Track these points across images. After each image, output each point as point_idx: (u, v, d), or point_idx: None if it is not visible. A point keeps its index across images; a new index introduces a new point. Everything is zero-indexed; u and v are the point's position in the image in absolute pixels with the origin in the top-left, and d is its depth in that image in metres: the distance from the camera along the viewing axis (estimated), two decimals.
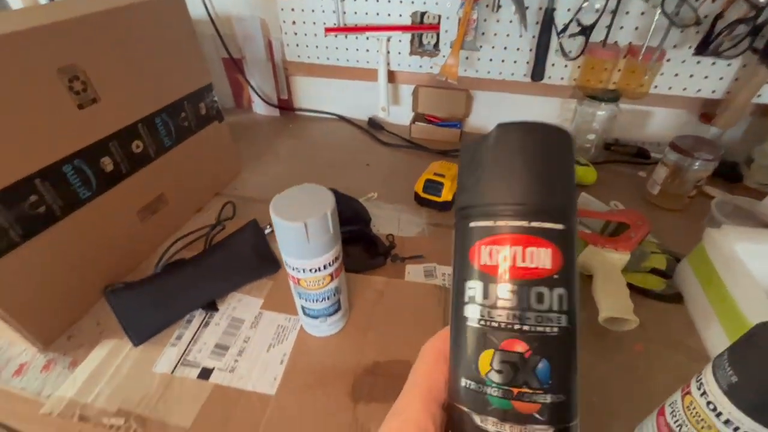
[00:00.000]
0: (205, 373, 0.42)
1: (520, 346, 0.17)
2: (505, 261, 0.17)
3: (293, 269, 0.37)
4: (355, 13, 0.79)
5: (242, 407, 0.39)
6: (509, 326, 0.17)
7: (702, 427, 0.29)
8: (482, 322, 0.18)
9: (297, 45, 0.87)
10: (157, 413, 0.38)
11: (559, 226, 0.17)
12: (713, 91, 0.71)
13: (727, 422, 0.27)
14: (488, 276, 0.18)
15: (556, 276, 0.17)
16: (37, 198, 0.42)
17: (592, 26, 0.62)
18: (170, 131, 0.58)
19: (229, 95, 1.01)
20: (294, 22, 0.83)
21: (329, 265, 0.37)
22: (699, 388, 0.30)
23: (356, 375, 0.41)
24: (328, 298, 0.40)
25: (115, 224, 0.52)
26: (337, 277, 0.39)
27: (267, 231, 0.55)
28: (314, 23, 0.82)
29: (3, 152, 0.38)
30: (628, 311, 0.45)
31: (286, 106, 0.99)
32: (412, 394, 0.19)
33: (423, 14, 0.76)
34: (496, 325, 0.17)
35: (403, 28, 0.78)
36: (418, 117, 0.89)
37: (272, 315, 0.48)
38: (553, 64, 0.74)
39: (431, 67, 0.83)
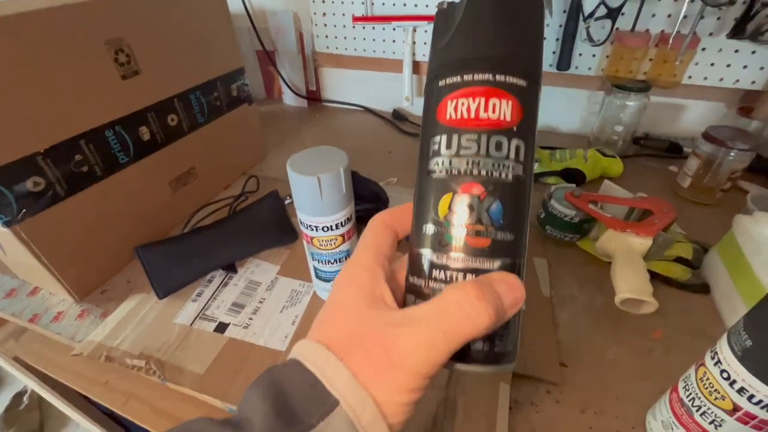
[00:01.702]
0: (221, 327, 0.44)
1: (477, 189, 0.18)
2: (468, 112, 0.18)
3: (307, 227, 0.39)
4: (383, 4, 0.81)
5: (253, 359, 0.41)
6: (468, 171, 0.18)
7: (715, 399, 0.28)
8: (444, 172, 0.19)
9: (326, 36, 0.90)
10: (175, 359, 0.41)
11: (522, 82, 0.19)
12: (753, 82, 0.67)
13: (741, 390, 0.26)
14: (452, 129, 0.19)
15: (515, 128, 0.18)
16: (82, 158, 0.46)
17: (620, 9, 0.60)
18: (203, 108, 0.61)
19: (261, 86, 1.05)
20: (324, 14, 0.87)
21: (341, 225, 0.38)
22: (713, 358, 0.29)
23: None
24: (339, 261, 0.41)
25: (148, 191, 0.55)
26: (349, 239, 0.41)
27: (287, 202, 0.58)
28: (343, 14, 0.85)
29: (54, 114, 0.42)
30: (646, 293, 0.43)
31: (314, 97, 1.02)
32: (362, 251, 0.22)
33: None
34: (456, 172, 0.19)
35: (429, 18, 0.79)
36: None
37: (287, 280, 0.49)
38: (580, 54, 0.73)
39: None
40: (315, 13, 0.87)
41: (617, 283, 0.45)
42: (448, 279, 0.19)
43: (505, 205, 0.18)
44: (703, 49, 0.66)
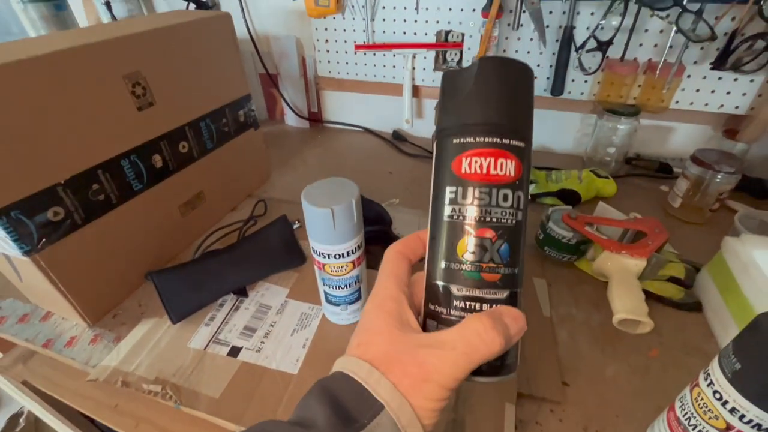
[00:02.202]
0: (234, 351, 0.45)
1: (490, 233, 0.22)
2: (480, 168, 0.22)
3: (319, 255, 0.40)
4: (384, 32, 0.85)
5: (267, 383, 0.42)
6: (482, 219, 0.22)
7: (709, 418, 0.30)
8: (461, 217, 0.22)
9: (329, 62, 0.93)
10: (190, 383, 0.42)
11: (521, 144, 0.23)
12: (736, 107, 0.71)
13: (732, 410, 0.28)
14: (467, 181, 0.22)
15: (517, 182, 0.22)
16: (99, 186, 0.47)
17: (609, 42, 0.64)
18: (212, 135, 0.63)
19: (263, 108, 1.08)
20: (327, 41, 0.90)
21: (352, 252, 0.40)
22: (706, 379, 0.31)
23: None
24: (349, 285, 0.43)
25: (160, 216, 0.57)
26: (359, 265, 0.42)
27: (295, 226, 0.59)
28: (345, 41, 0.88)
29: (74, 146, 0.44)
30: (642, 313, 0.45)
31: (315, 119, 1.05)
32: (383, 280, 0.25)
33: (447, 33, 0.81)
34: (471, 218, 0.22)
35: (428, 46, 0.83)
36: None
37: (297, 303, 0.51)
38: (573, 80, 0.77)
39: None
40: (318, 40, 0.90)
41: (614, 304, 0.47)
42: (468, 308, 0.22)
43: (511, 245, 0.22)
44: (689, 76, 0.70)
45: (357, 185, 0.39)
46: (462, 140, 0.22)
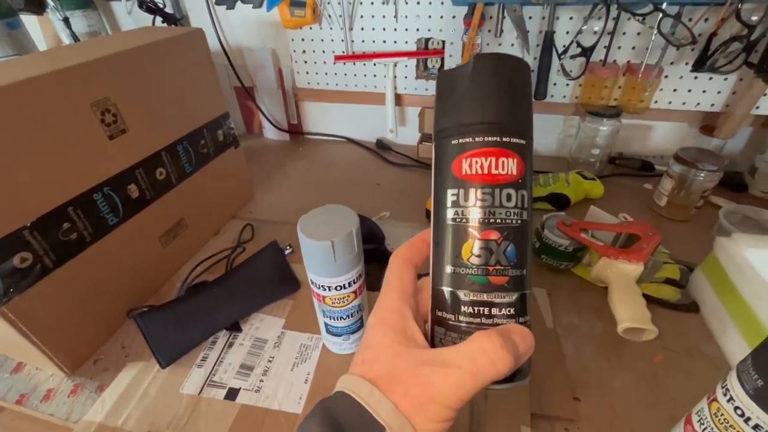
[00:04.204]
0: (232, 394, 0.42)
1: (495, 235, 0.21)
2: (482, 170, 0.21)
3: (319, 287, 0.38)
4: (363, 41, 0.83)
5: (270, 426, 0.39)
6: (486, 220, 0.21)
7: None
8: (464, 220, 0.21)
9: (307, 72, 0.90)
10: None
11: (522, 141, 0.22)
12: (712, 105, 0.73)
13: (756, 427, 0.28)
14: (468, 183, 0.21)
15: (520, 180, 0.21)
16: (70, 225, 0.44)
17: (593, 47, 0.65)
18: (191, 158, 0.60)
19: (240, 122, 1.04)
20: (304, 51, 0.87)
21: (354, 282, 0.38)
22: (725, 395, 0.30)
23: None
24: (351, 315, 0.41)
25: (139, 249, 0.53)
26: (361, 294, 0.40)
27: (287, 252, 0.57)
28: (323, 51, 0.86)
29: (41, 183, 0.40)
30: (646, 321, 0.45)
31: (295, 131, 1.02)
32: (387, 292, 0.24)
33: (428, 40, 0.80)
34: (475, 221, 0.21)
35: (409, 54, 0.81)
36: (425, 137, 0.92)
37: (294, 334, 0.48)
38: (555, 84, 0.77)
39: None
40: (294, 51, 0.88)
41: (617, 313, 0.47)
42: (476, 313, 0.21)
43: (517, 246, 0.21)
44: (666, 76, 0.72)
45: (354, 212, 0.37)
46: (461, 141, 0.22)
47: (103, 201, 0.47)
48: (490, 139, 0.21)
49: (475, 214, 0.21)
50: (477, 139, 0.21)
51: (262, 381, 0.43)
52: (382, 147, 0.95)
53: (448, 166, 0.22)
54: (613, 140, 0.77)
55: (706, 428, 0.32)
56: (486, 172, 0.21)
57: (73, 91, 0.42)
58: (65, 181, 0.43)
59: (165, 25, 0.87)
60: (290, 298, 0.53)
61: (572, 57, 0.66)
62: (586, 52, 0.64)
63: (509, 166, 0.21)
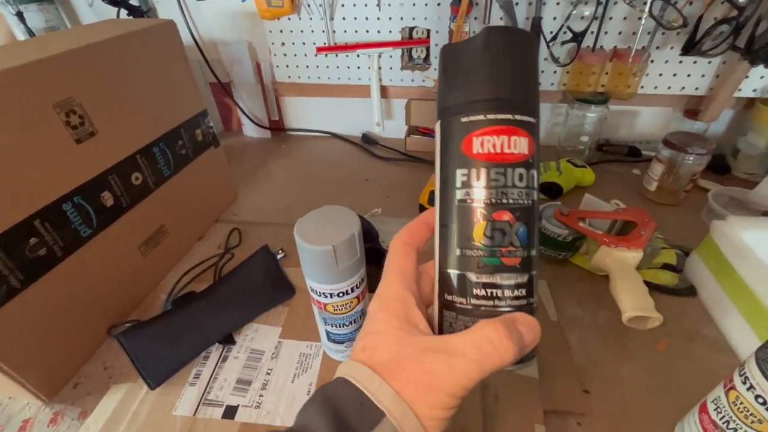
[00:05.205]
0: (230, 412, 0.39)
1: (507, 216, 0.20)
2: (494, 148, 0.20)
3: (319, 294, 0.36)
4: (345, 31, 0.79)
5: None
6: (499, 201, 0.20)
7: (752, 422, 0.29)
8: (476, 201, 0.21)
9: (287, 66, 0.86)
10: None
11: (533, 119, 0.21)
12: (696, 88, 0.73)
13: None
14: (479, 162, 0.20)
15: (530, 160, 0.21)
16: (37, 240, 0.40)
17: (584, 33, 0.64)
18: (168, 160, 0.56)
19: (218, 120, 0.99)
20: (283, 44, 0.83)
21: (356, 287, 0.36)
22: (744, 383, 0.30)
23: None
24: (354, 322, 0.39)
25: (117, 261, 0.49)
26: (363, 299, 0.38)
27: (279, 256, 0.54)
28: (304, 43, 0.82)
29: (1, 195, 0.36)
30: (650, 308, 0.45)
31: (277, 127, 0.98)
32: (389, 278, 0.24)
33: (412, 29, 0.77)
34: (487, 201, 0.20)
35: (393, 44, 0.79)
36: (412, 130, 0.89)
37: (293, 343, 0.46)
38: (542, 71, 0.76)
39: (423, 81, 0.83)
40: (273, 43, 0.83)
41: (621, 302, 0.47)
42: (488, 295, 0.21)
43: (528, 226, 0.21)
44: (652, 61, 0.72)
45: (354, 212, 0.35)
46: (471, 118, 0.21)
47: (74, 211, 0.43)
48: (502, 116, 0.20)
49: (487, 194, 0.20)
50: (489, 116, 0.20)
51: (261, 395, 0.41)
52: (368, 141, 0.92)
53: (456, 144, 0.21)
54: (600, 127, 0.77)
55: (723, 417, 0.32)
56: (499, 151, 0.20)
57: (31, 92, 0.38)
58: (29, 191, 0.39)
59: (131, 18, 0.81)
60: (285, 305, 0.50)
61: (563, 43, 0.65)
62: (578, 37, 0.63)
63: (521, 145, 0.20)
